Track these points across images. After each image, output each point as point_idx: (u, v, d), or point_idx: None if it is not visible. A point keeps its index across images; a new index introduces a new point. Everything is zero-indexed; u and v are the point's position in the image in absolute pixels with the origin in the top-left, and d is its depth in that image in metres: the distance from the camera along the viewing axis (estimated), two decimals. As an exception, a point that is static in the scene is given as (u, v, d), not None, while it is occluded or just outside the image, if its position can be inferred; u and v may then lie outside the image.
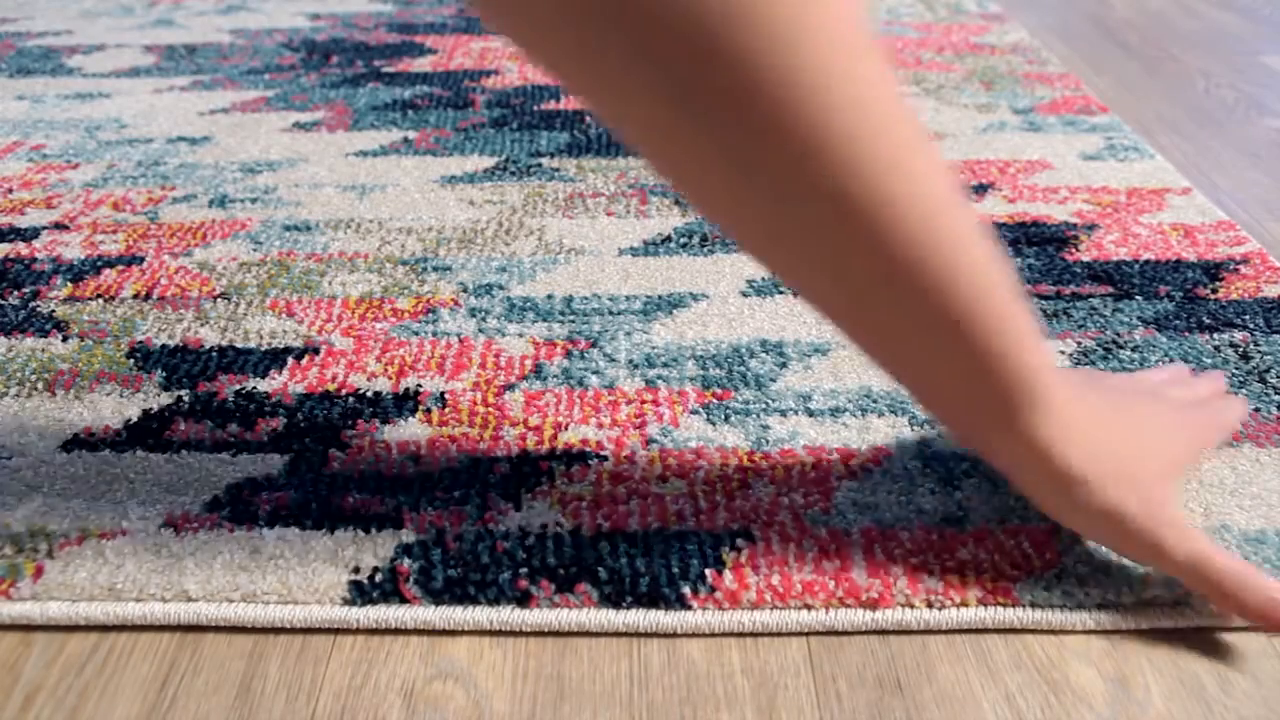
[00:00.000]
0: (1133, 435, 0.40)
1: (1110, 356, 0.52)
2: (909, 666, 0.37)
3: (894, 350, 0.36)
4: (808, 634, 0.38)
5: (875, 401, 0.49)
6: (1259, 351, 0.53)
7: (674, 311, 0.56)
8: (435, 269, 0.61)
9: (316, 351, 0.53)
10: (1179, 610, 0.39)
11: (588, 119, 0.82)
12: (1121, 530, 0.38)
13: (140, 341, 0.54)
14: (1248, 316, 0.56)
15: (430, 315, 0.56)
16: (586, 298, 0.58)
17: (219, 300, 0.58)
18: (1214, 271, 0.60)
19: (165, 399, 0.50)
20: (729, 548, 0.40)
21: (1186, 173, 0.74)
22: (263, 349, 0.53)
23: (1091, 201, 0.68)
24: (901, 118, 0.30)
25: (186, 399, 0.50)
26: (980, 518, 0.42)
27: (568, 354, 0.53)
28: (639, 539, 0.41)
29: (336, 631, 0.39)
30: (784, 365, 0.52)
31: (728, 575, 0.39)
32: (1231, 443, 0.46)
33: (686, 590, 0.39)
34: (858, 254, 0.32)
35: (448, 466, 0.45)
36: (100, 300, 0.58)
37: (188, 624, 0.39)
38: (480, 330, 0.55)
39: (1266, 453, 0.46)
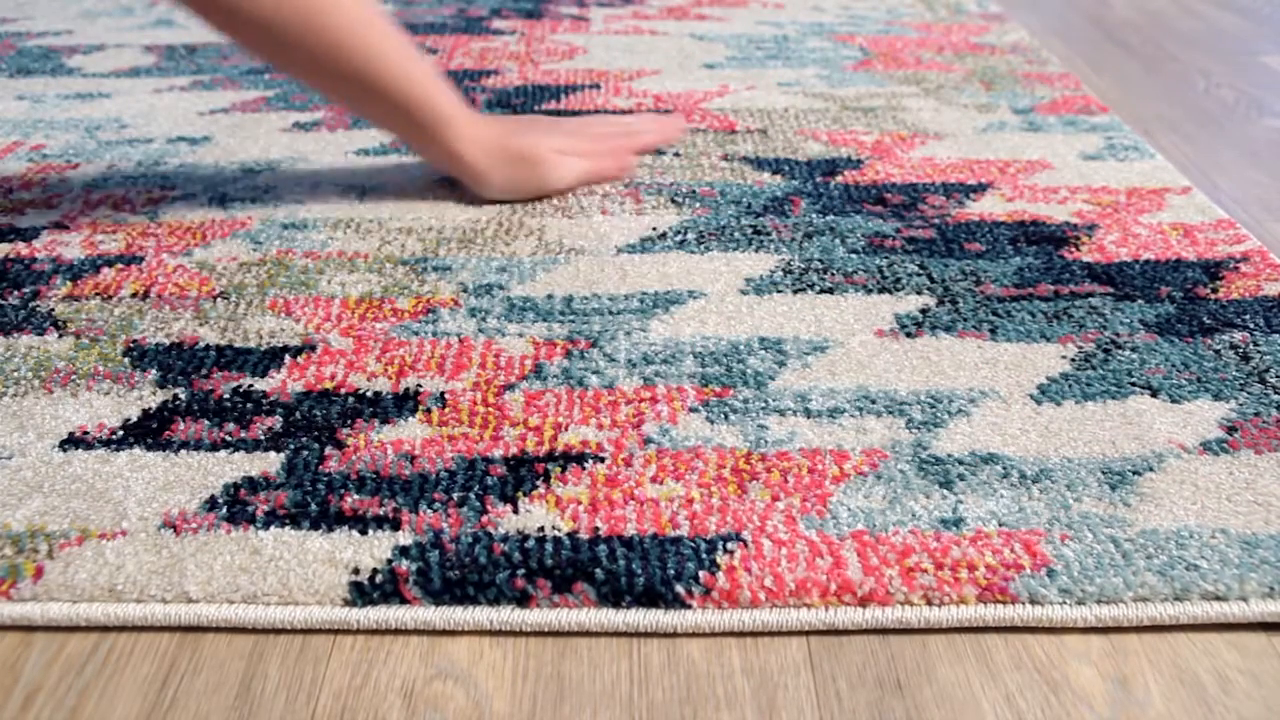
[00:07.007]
0: (516, 126, 0.69)
1: (1110, 359, 0.52)
2: (909, 666, 0.37)
3: (356, 108, 0.67)
4: (808, 634, 0.39)
5: (873, 402, 0.49)
6: (1259, 351, 0.53)
7: (672, 309, 0.56)
8: (435, 269, 0.61)
9: (313, 349, 0.53)
10: (1178, 606, 0.39)
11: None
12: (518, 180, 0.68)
13: (136, 340, 0.54)
14: (1248, 316, 0.56)
15: (430, 315, 0.56)
16: (586, 297, 0.58)
17: (218, 300, 0.58)
18: (1214, 270, 0.60)
19: (161, 396, 0.50)
20: (722, 551, 0.41)
21: (1186, 172, 0.74)
22: (261, 349, 0.53)
23: (1091, 201, 0.68)
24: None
25: (183, 397, 0.50)
26: (975, 520, 0.42)
27: (568, 354, 0.53)
28: (634, 543, 0.41)
29: (336, 631, 0.39)
30: (782, 364, 0.52)
31: (721, 576, 0.39)
32: (1228, 450, 0.46)
33: (681, 590, 0.39)
34: (321, 69, 0.59)
35: (445, 468, 0.45)
36: (98, 299, 0.58)
37: (188, 625, 0.39)
38: (480, 330, 0.55)
39: (1264, 458, 0.46)
